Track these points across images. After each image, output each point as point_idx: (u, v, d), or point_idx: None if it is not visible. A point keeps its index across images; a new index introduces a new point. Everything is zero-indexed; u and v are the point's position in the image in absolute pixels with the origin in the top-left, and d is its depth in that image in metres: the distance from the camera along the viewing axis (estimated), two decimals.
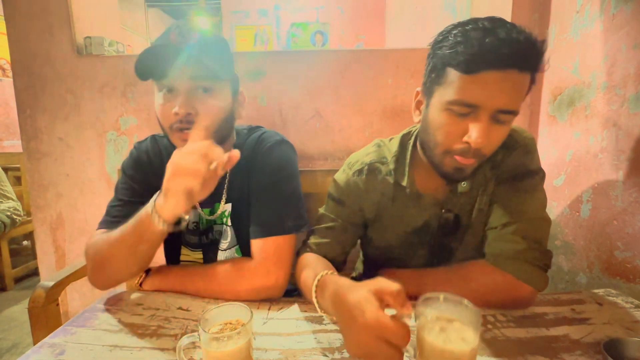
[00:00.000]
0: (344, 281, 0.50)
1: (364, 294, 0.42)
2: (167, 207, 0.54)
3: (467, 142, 0.55)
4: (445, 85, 0.55)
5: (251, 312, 0.45)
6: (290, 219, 0.70)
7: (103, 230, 0.69)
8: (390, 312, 0.40)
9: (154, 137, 0.81)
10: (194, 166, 0.50)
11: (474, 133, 0.53)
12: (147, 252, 0.63)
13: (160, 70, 0.63)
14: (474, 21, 0.53)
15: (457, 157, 0.58)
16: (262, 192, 0.72)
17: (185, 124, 0.64)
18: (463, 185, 0.67)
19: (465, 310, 0.41)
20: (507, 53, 0.49)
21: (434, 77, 0.58)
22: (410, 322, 0.41)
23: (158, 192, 0.57)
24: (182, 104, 0.63)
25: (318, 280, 0.54)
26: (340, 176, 0.75)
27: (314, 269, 0.61)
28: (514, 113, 0.54)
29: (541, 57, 0.53)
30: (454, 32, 0.54)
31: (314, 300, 0.54)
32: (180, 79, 0.63)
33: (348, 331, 0.43)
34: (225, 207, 0.75)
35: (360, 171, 0.72)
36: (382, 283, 0.43)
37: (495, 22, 0.52)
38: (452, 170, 0.60)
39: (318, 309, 0.54)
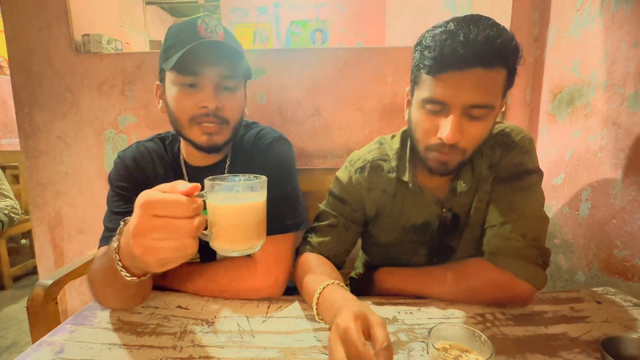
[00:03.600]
0: (346, 295, 0.52)
1: (349, 309, 0.44)
2: (135, 265, 0.48)
3: (440, 138, 0.58)
4: (420, 85, 0.60)
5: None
6: (289, 217, 0.70)
7: (103, 248, 0.67)
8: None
9: (138, 143, 0.77)
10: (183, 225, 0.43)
11: (444, 129, 0.57)
12: (132, 296, 0.58)
13: (193, 65, 0.62)
14: (446, 23, 0.55)
15: (437, 152, 0.60)
16: None
17: (212, 117, 0.64)
18: (462, 185, 0.68)
19: (477, 341, 0.42)
20: (465, 54, 0.52)
21: (413, 77, 0.63)
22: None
23: (122, 224, 0.48)
24: (211, 99, 0.63)
25: (323, 289, 0.55)
26: (342, 174, 0.75)
27: (317, 275, 0.61)
28: (486, 107, 0.56)
29: (506, 53, 0.54)
30: (427, 35, 0.58)
31: (314, 310, 0.55)
32: (210, 75, 0.63)
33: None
34: None
35: (362, 168, 0.73)
36: (368, 309, 0.44)
37: (463, 23, 0.53)
38: (437, 164, 0.62)
39: (317, 317, 0.55)
